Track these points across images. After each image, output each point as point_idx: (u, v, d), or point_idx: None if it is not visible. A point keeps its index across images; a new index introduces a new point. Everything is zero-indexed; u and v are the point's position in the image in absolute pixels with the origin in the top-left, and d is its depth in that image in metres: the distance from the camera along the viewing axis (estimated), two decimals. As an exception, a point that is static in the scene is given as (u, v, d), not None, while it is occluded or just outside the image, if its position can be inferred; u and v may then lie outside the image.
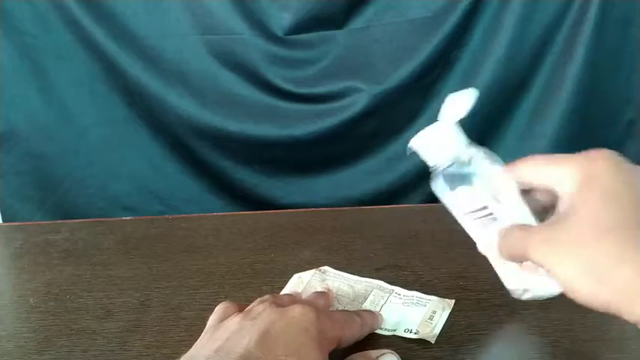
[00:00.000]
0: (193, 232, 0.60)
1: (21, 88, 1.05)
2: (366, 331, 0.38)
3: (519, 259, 0.32)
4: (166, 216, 0.69)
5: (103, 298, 0.46)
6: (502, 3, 1.02)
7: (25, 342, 0.40)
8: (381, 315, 0.41)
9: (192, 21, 1.03)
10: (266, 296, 0.37)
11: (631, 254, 0.26)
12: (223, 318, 0.34)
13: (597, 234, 0.27)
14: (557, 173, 0.31)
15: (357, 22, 1.05)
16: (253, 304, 0.36)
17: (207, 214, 0.66)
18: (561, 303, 0.43)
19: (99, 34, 1.02)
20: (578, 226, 0.28)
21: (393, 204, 1.02)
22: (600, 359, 0.39)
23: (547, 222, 0.31)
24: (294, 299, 0.38)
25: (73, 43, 1.03)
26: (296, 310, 0.32)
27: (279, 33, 1.04)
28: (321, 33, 1.05)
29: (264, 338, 0.30)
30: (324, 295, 0.41)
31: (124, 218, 0.67)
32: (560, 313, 0.42)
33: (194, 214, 0.67)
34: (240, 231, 0.60)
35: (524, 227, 0.32)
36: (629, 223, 0.28)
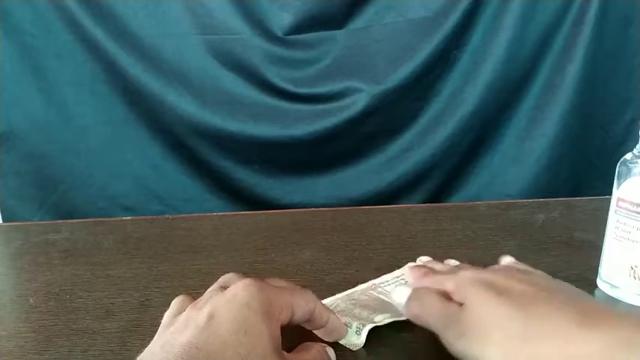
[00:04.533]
0: (193, 232, 0.60)
1: (21, 88, 1.05)
2: (320, 307, 0.36)
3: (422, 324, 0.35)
4: (166, 216, 0.69)
5: (103, 298, 0.46)
6: (502, 3, 1.02)
7: (25, 342, 0.40)
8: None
9: (192, 21, 1.03)
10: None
11: (541, 331, 0.29)
12: (177, 313, 0.34)
13: (502, 320, 0.30)
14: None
15: (357, 22, 1.05)
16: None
17: (207, 214, 0.66)
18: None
19: (99, 34, 1.02)
20: (479, 316, 0.31)
21: (393, 204, 1.02)
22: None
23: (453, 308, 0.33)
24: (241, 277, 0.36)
25: (73, 43, 1.03)
26: (238, 287, 0.32)
27: (279, 33, 1.04)
28: (321, 33, 1.05)
29: (208, 323, 0.29)
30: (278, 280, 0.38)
31: (124, 218, 0.67)
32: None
33: (194, 214, 0.67)
34: (240, 231, 0.60)
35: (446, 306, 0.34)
36: (523, 302, 0.31)
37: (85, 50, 1.04)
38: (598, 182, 1.09)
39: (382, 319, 0.39)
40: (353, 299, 0.43)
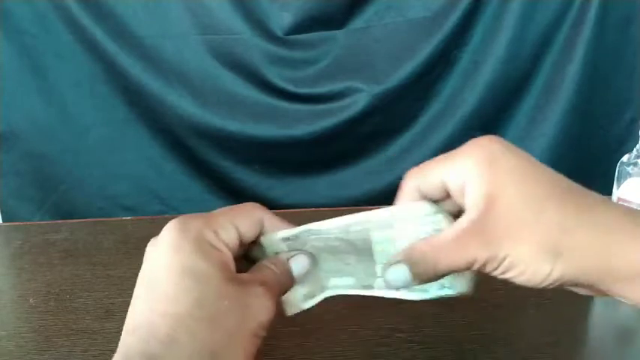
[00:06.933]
0: (193, 232, 0.60)
1: (21, 88, 1.05)
2: (270, 217, 0.31)
3: (433, 276, 0.28)
4: (166, 216, 0.69)
5: (103, 298, 0.46)
6: (502, 3, 1.02)
7: (25, 342, 0.40)
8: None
9: (192, 21, 1.03)
10: None
11: (578, 220, 0.26)
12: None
13: (535, 211, 0.26)
14: (451, 170, 0.29)
15: (357, 22, 1.05)
16: None
17: (207, 214, 0.66)
18: (561, 302, 0.43)
19: (99, 34, 1.02)
20: (509, 211, 0.26)
21: (393, 204, 1.02)
22: (604, 358, 0.39)
23: (461, 221, 0.28)
24: None
25: (73, 43, 1.03)
26: (162, 240, 0.30)
27: (279, 33, 1.04)
28: (321, 33, 1.05)
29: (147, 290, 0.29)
30: None
31: (124, 218, 0.67)
32: (560, 313, 0.42)
33: (194, 214, 0.66)
34: (240, 231, 0.60)
35: (428, 241, 0.29)
36: (556, 192, 0.27)
37: (85, 50, 1.04)
38: (598, 182, 1.09)
39: (341, 286, 0.32)
40: (319, 235, 0.34)
